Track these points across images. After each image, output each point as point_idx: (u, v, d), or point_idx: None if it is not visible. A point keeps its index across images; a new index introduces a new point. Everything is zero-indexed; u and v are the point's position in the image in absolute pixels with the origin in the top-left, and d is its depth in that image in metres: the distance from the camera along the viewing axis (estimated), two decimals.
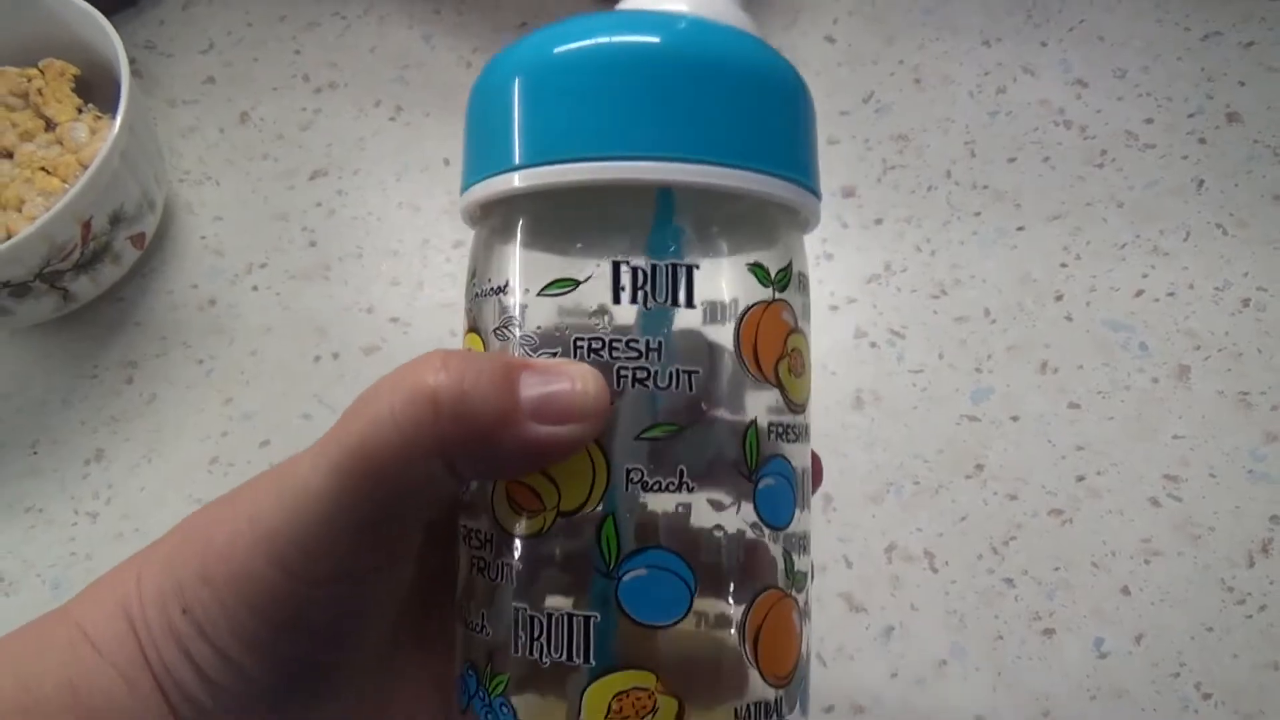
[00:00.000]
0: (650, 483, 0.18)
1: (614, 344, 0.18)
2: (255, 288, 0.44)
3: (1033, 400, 0.38)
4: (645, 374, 0.18)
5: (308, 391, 0.41)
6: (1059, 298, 0.39)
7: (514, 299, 0.19)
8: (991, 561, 0.35)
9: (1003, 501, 0.36)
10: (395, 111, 0.48)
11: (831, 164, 0.43)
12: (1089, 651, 0.33)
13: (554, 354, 0.18)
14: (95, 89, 0.44)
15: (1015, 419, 0.37)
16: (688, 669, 0.18)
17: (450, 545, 0.21)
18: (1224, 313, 0.38)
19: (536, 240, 0.19)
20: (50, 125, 0.43)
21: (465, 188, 0.20)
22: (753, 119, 0.19)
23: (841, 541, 0.36)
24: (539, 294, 0.19)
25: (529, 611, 0.18)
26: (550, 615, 0.18)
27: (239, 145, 0.48)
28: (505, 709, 0.19)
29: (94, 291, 0.43)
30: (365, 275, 0.44)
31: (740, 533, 0.19)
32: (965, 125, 0.43)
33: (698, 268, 0.18)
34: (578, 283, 0.18)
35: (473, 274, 0.20)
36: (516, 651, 0.18)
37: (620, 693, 0.18)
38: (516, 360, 0.18)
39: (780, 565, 0.20)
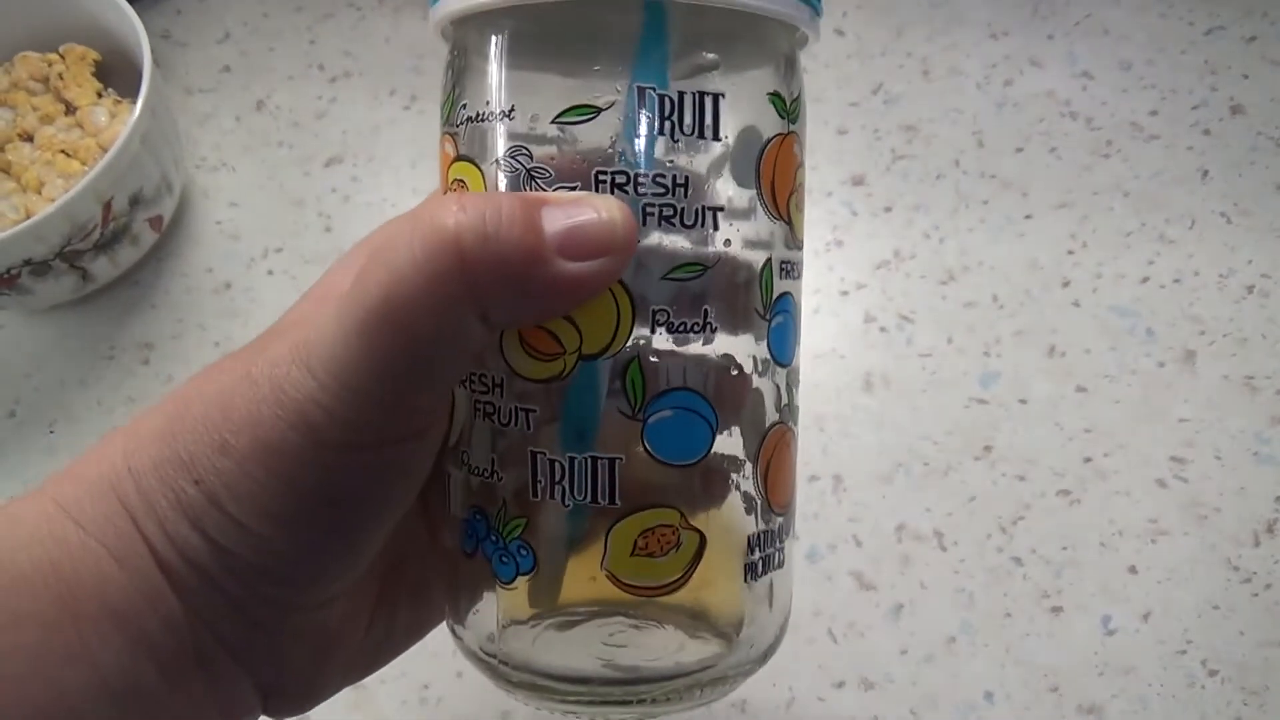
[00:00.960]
0: (676, 324, 0.17)
1: (639, 179, 0.17)
2: (271, 272, 0.45)
3: (1040, 384, 0.38)
4: (672, 211, 0.17)
5: None
6: (1066, 284, 0.40)
7: (521, 126, 0.17)
8: (1000, 541, 0.36)
9: (1011, 482, 0.36)
10: (410, 100, 0.48)
11: (841, 153, 0.44)
12: (1096, 629, 0.34)
13: (573, 188, 0.17)
14: (115, 74, 0.45)
15: (1023, 402, 0.38)
16: (709, 505, 0.19)
17: None
18: (1229, 299, 0.39)
19: (534, 68, 0.18)
20: (70, 109, 0.43)
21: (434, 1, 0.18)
22: None
23: (852, 521, 0.36)
24: (554, 122, 0.17)
25: (548, 456, 0.18)
26: (573, 459, 0.18)
27: (255, 132, 0.48)
28: (524, 551, 0.18)
29: (112, 273, 0.43)
30: None
31: (753, 371, 0.19)
32: (973, 116, 0.44)
33: (724, 96, 0.17)
34: (598, 110, 0.17)
35: (457, 95, 0.19)
36: (535, 495, 0.18)
37: (646, 530, 0.18)
38: (534, 195, 0.17)
39: (783, 400, 0.20)
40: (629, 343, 0.17)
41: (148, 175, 0.41)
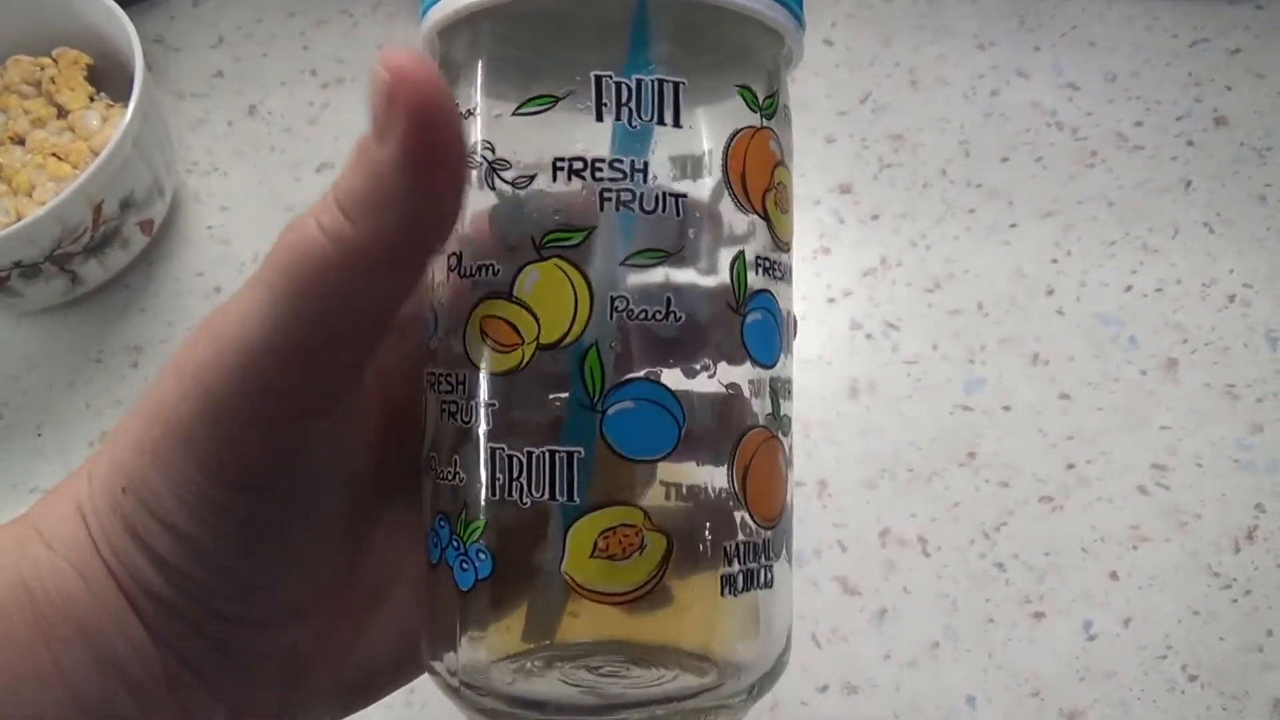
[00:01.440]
0: (636, 311, 0.17)
1: (596, 164, 0.17)
2: None
3: (1024, 391, 0.38)
4: (630, 196, 0.17)
5: None
6: (1050, 292, 0.40)
7: (482, 121, 0.18)
8: (983, 546, 0.36)
9: (994, 489, 0.37)
10: None
11: (830, 161, 0.44)
12: (1078, 634, 0.34)
13: (530, 178, 0.17)
14: (107, 79, 0.45)
15: (1007, 409, 0.38)
16: (676, 505, 0.18)
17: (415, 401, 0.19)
18: (1211, 308, 0.39)
19: (504, 65, 0.18)
20: (62, 113, 0.44)
21: (423, 13, 0.18)
22: None
23: (836, 526, 0.37)
24: (514, 114, 0.17)
25: (506, 451, 0.17)
26: (530, 454, 0.17)
27: (247, 137, 0.49)
28: (482, 556, 0.18)
29: (102, 276, 0.43)
30: None
31: (721, 362, 0.18)
32: (960, 125, 0.44)
33: (684, 84, 0.17)
34: (556, 99, 0.17)
35: None
36: (494, 495, 0.17)
37: (606, 530, 0.17)
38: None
39: (769, 408, 0.19)
40: (587, 331, 0.17)
41: (139, 179, 0.41)
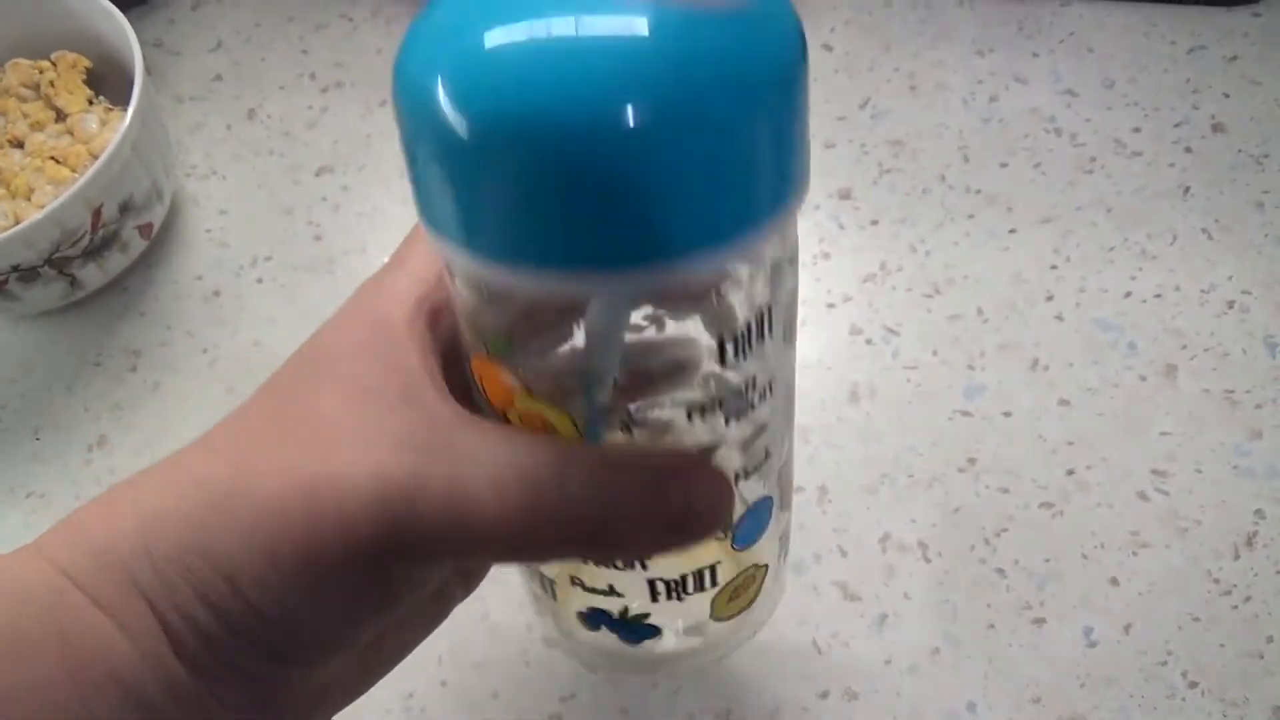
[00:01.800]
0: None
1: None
2: (260, 280, 0.45)
3: (1024, 396, 0.38)
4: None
5: None
6: (1049, 298, 0.40)
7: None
8: (983, 552, 0.36)
9: (994, 494, 0.37)
10: None
11: (829, 167, 0.44)
12: (1079, 640, 0.34)
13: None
14: (106, 82, 0.45)
15: (1007, 414, 0.38)
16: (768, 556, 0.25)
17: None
18: (1210, 314, 0.39)
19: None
20: (61, 116, 0.44)
21: (426, 223, 0.16)
22: (745, 170, 0.15)
23: (836, 532, 0.37)
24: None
25: (664, 578, 0.23)
26: (684, 576, 0.23)
27: (246, 141, 0.49)
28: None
29: (101, 280, 0.43)
30: (370, 270, 0.44)
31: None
32: (959, 131, 0.45)
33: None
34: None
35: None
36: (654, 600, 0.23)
37: (736, 588, 0.24)
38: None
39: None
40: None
41: (138, 183, 0.41)
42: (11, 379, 0.43)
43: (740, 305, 0.17)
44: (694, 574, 0.22)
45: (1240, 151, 0.43)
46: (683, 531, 0.17)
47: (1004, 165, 0.44)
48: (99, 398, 0.42)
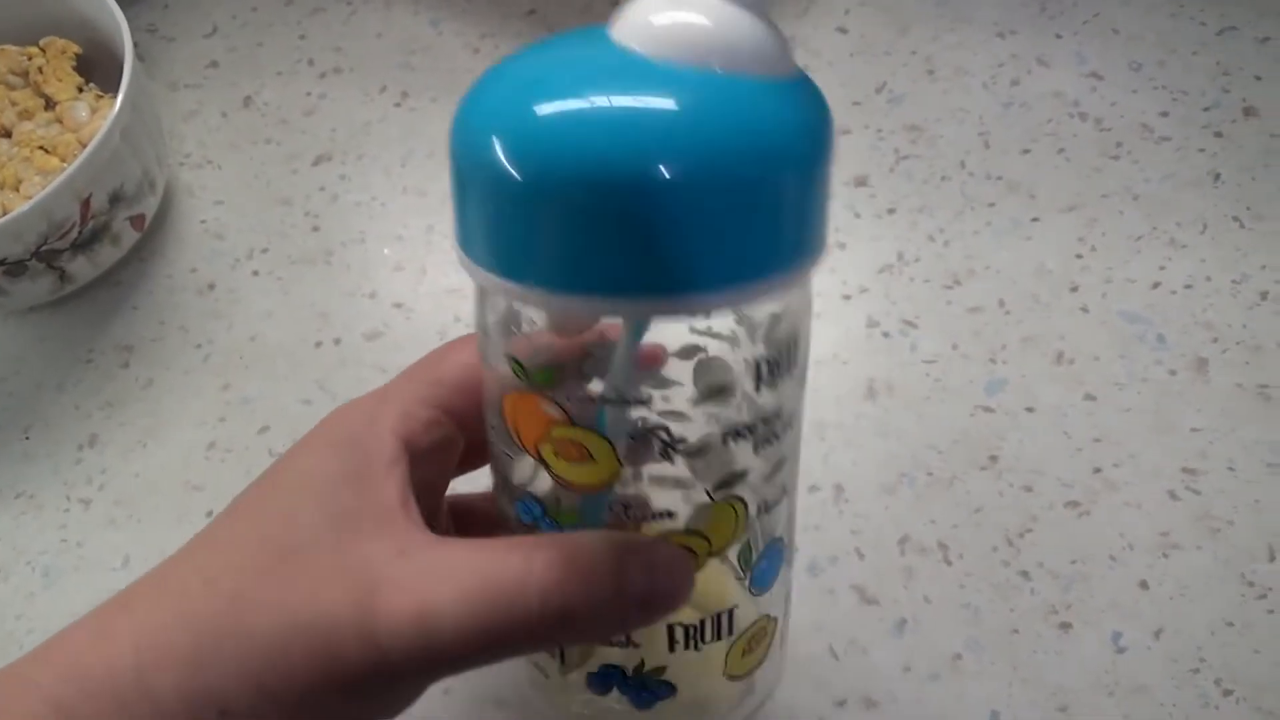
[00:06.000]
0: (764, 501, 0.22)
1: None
2: (256, 272, 0.43)
3: (1048, 392, 0.37)
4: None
5: (309, 377, 0.40)
6: (1074, 289, 0.39)
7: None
8: (1007, 554, 0.34)
9: (1018, 493, 0.35)
10: (401, 97, 0.47)
11: (844, 153, 0.43)
12: (1107, 646, 0.33)
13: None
14: (97, 68, 0.44)
15: (1030, 410, 0.37)
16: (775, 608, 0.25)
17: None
18: (1242, 305, 0.38)
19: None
20: (50, 104, 0.42)
21: (464, 250, 0.19)
22: (770, 227, 0.17)
23: (854, 533, 0.35)
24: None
25: (684, 624, 0.22)
26: (704, 621, 0.22)
27: (242, 129, 0.47)
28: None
29: (92, 273, 0.42)
30: (368, 260, 0.43)
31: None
32: (979, 116, 0.43)
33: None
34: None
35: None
36: (678, 649, 0.23)
37: (751, 639, 0.24)
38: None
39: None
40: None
41: (129, 172, 0.40)
42: (1, 377, 0.42)
43: (768, 339, 0.20)
44: (713, 619, 0.22)
45: (1273, 136, 0.41)
46: (649, 607, 0.18)
47: (1026, 151, 0.42)
48: (90, 395, 0.41)
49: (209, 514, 0.37)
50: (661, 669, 0.23)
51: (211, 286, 0.43)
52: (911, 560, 0.35)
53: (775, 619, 0.25)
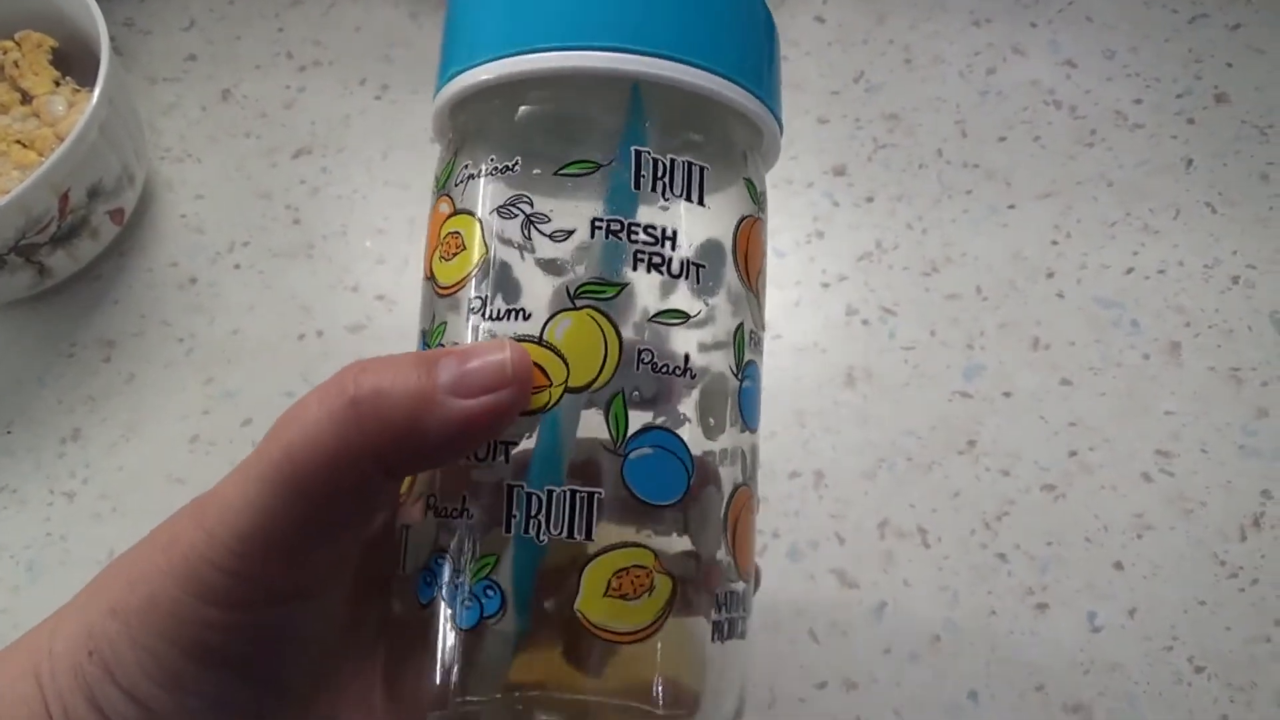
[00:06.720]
0: (659, 364, 0.18)
1: (632, 227, 0.18)
2: (237, 266, 0.43)
3: (1024, 377, 0.37)
4: (660, 260, 0.18)
5: (292, 370, 0.40)
6: (1050, 275, 0.39)
7: (524, 177, 0.19)
8: (984, 537, 0.35)
9: (995, 477, 0.36)
10: (381, 90, 0.47)
11: (822, 143, 0.43)
12: (1082, 626, 0.33)
13: (569, 233, 0.18)
14: (74, 62, 0.43)
15: (1007, 395, 0.37)
16: (680, 551, 0.19)
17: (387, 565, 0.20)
18: (1214, 290, 0.38)
19: (543, 129, 0.19)
20: (27, 98, 0.42)
21: (437, 90, 0.20)
22: (733, 33, 0.19)
23: (834, 518, 0.36)
24: (556, 174, 0.19)
25: (526, 489, 0.18)
26: (551, 492, 0.18)
27: (221, 123, 0.47)
28: (491, 591, 0.18)
29: (71, 267, 0.42)
30: (350, 253, 0.43)
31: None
32: (956, 104, 0.43)
33: (708, 169, 0.19)
34: (598, 165, 0.18)
35: (458, 160, 0.20)
36: (508, 530, 0.18)
37: (620, 570, 0.18)
38: (434, 351, 0.18)
39: (748, 469, 0.20)
40: (614, 379, 0.18)
41: (107, 166, 0.40)
42: None
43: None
44: (569, 496, 0.17)
45: (1244, 122, 0.41)
46: (460, 390, 0.17)
47: (1002, 139, 0.42)
48: (72, 390, 0.41)
49: None
50: (491, 561, 0.18)
51: (193, 280, 0.43)
52: (891, 544, 0.35)
53: (674, 582, 0.18)
